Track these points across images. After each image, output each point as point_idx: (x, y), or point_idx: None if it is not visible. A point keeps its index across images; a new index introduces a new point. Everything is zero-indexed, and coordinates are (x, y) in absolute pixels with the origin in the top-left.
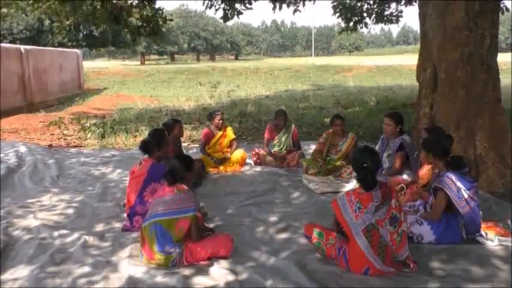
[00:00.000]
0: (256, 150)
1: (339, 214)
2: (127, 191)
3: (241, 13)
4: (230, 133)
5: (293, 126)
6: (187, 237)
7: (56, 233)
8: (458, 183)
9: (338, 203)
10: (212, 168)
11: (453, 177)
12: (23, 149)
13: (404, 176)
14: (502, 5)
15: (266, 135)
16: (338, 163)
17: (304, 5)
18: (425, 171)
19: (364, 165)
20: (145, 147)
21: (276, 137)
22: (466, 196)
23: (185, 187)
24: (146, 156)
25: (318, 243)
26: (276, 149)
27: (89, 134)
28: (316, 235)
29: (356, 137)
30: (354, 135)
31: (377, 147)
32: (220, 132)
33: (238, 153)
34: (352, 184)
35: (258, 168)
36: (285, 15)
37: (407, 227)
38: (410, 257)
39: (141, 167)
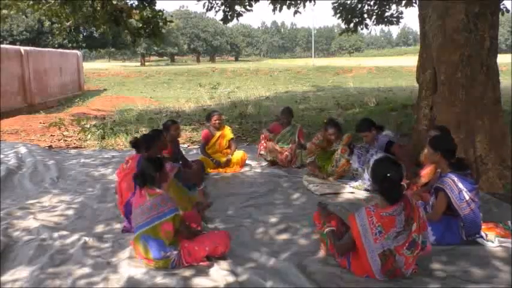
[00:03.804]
0: (263, 141)
1: (357, 233)
2: (119, 189)
3: (241, 15)
4: (228, 133)
5: (299, 125)
6: (182, 238)
7: (56, 234)
8: (460, 185)
9: (357, 222)
10: (212, 170)
11: (455, 179)
12: (23, 150)
13: None
14: (501, 6)
15: (270, 127)
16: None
17: (304, 6)
18: (428, 170)
19: (388, 175)
20: (134, 143)
21: (281, 133)
22: (467, 198)
23: (157, 190)
24: (133, 153)
25: (324, 235)
26: (280, 144)
27: (89, 135)
28: (323, 226)
29: (352, 135)
30: (350, 134)
31: (356, 159)
32: (219, 133)
33: (238, 154)
34: (352, 186)
35: (258, 170)
36: (285, 16)
37: None
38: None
39: (128, 165)
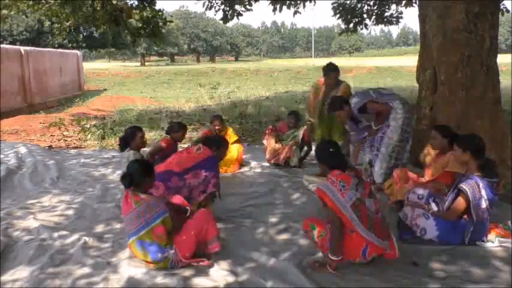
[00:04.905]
0: (267, 131)
1: (326, 197)
2: (170, 159)
3: (241, 14)
4: (231, 135)
5: (304, 127)
6: (174, 237)
7: (56, 234)
8: (483, 192)
9: (322, 189)
10: None
11: (480, 184)
12: (23, 150)
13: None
14: (501, 6)
15: (278, 126)
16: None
17: (304, 6)
18: (431, 170)
19: (330, 150)
20: (205, 140)
21: (285, 133)
22: (483, 206)
23: (142, 196)
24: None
25: (312, 236)
26: (283, 142)
27: (89, 135)
28: (310, 228)
29: (350, 87)
30: (347, 84)
31: (369, 150)
32: (221, 134)
33: (233, 152)
34: None
35: (258, 170)
36: (285, 16)
37: (414, 218)
38: (393, 242)
39: (198, 152)
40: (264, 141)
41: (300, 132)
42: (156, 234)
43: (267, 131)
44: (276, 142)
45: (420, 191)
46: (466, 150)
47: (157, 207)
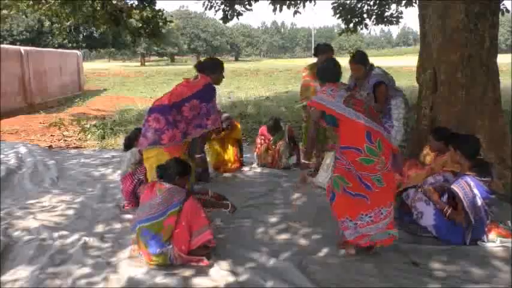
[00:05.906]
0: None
1: (318, 103)
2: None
3: (241, 14)
4: (238, 131)
5: (287, 125)
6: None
7: (56, 234)
8: (475, 190)
9: (313, 99)
10: (213, 166)
11: (471, 183)
12: (23, 150)
13: None
14: (502, 6)
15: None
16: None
17: (304, 6)
18: (418, 172)
19: (327, 65)
20: (199, 64)
21: (271, 138)
22: (479, 204)
23: (166, 185)
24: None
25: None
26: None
27: (89, 135)
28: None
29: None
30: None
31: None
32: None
33: (230, 152)
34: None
35: (258, 170)
36: (285, 16)
37: (414, 200)
38: None
39: (196, 81)
40: (256, 152)
41: (285, 135)
42: (167, 225)
43: (257, 140)
44: (267, 150)
45: (449, 175)
46: (456, 150)
47: (178, 195)
